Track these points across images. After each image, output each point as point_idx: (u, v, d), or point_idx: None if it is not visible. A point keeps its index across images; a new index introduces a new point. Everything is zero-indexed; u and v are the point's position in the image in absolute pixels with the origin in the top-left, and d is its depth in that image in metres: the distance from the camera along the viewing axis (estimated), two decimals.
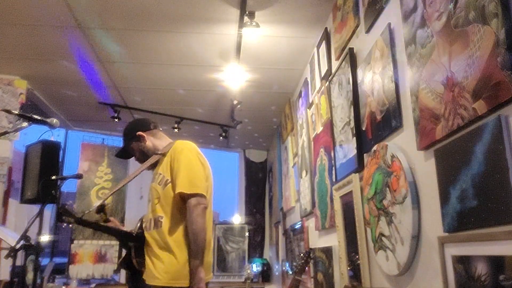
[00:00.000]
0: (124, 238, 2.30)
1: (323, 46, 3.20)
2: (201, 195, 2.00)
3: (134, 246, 2.16)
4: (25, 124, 2.10)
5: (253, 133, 6.22)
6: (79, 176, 3.18)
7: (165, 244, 2.01)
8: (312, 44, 3.53)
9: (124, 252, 2.74)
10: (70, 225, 2.07)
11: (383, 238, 1.95)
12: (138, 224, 2.21)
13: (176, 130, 5.25)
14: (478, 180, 1.26)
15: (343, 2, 2.74)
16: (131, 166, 6.09)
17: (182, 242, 2.00)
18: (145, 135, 2.27)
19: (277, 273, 5.69)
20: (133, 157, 2.35)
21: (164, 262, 1.99)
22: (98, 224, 2.23)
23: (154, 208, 2.10)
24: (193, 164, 2.07)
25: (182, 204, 2.03)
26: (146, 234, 2.12)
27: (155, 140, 2.28)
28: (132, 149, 2.31)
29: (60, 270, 5.33)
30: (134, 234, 2.19)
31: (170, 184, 2.06)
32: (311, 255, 3.20)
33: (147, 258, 2.09)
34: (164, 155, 2.17)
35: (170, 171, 2.08)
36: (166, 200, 2.06)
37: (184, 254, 1.98)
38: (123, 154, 2.38)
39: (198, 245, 1.94)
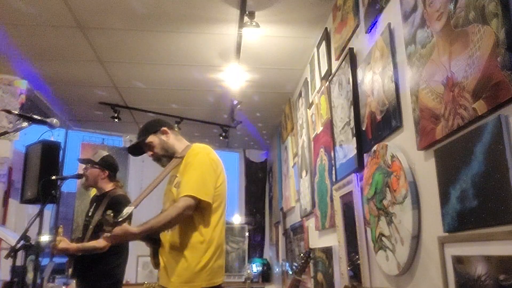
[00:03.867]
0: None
1: (323, 46, 3.20)
2: (194, 198, 1.98)
3: (151, 247, 2.20)
4: (25, 124, 2.09)
5: (253, 133, 6.22)
6: (79, 176, 3.17)
7: (178, 247, 2.03)
8: (312, 44, 3.53)
9: None
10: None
11: (383, 238, 1.95)
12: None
13: (176, 130, 5.25)
14: (478, 180, 1.26)
15: (343, 2, 2.74)
16: (131, 166, 6.09)
17: (194, 246, 2.01)
18: (169, 131, 2.28)
19: (277, 273, 5.69)
20: (140, 155, 2.33)
21: (177, 265, 2.00)
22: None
23: None
24: (204, 169, 2.07)
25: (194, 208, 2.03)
26: (162, 237, 2.13)
27: (175, 140, 2.28)
28: (150, 143, 2.24)
29: (60, 270, 5.33)
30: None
31: None
32: (311, 255, 3.20)
33: (161, 260, 2.11)
34: (182, 158, 2.17)
35: (184, 173, 2.08)
36: None
37: (196, 257, 2.00)
38: (136, 149, 2.32)
39: (155, 225, 1.92)
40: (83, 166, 3.11)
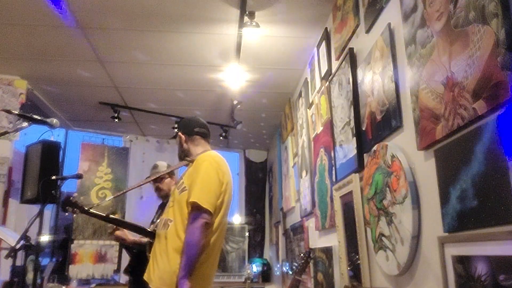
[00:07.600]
0: (138, 232, 2.50)
1: (323, 46, 3.20)
2: (207, 211, 2.00)
3: (149, 242, 2.28)
4: (25, 124, 2.09)
5: (253, 133, 6.22)
6: (79, 176, 3.18)
7: (165, 247, 2.05)
8: (312, 44, 3.53)
9: (124, 253, 2.94)
10: (74, 215, 2.27)
11: (383, 238, 1.95)
12: (158, 221, 2.33)
13: (176, 130, 5.25)
14: (478, 180, 1.26)
15: (343, 2, 2.74)
16: (131, 167, 6.09)
17: (180, 250, 2.00)
18: (183, 137, 2.37)
19: (277, 273, 5.69)
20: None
21: (159, 266, 2.03)
22: (109, 216, 2.43)
23: (168, 210, 2.18)
24: (210, 178, 2.09)
25: None
26: (157, 232, 2.19)
27: (192, 145, 2.35)
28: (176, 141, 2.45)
29: (60, 271, 5.33)
30: (149, 229, 2.31)
31: (186, 191, 2.10)
32: (311, 255, 3.19)
33: (151, 257, 2.14)
34: (192, 162, 2.24)
35: (190, 179, 2.12)
36: (179, 205, 2.10)
37: (178, 262, 1.98)
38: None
39: (188, 258, 1.94)
40: (158, 179, 3.11)
